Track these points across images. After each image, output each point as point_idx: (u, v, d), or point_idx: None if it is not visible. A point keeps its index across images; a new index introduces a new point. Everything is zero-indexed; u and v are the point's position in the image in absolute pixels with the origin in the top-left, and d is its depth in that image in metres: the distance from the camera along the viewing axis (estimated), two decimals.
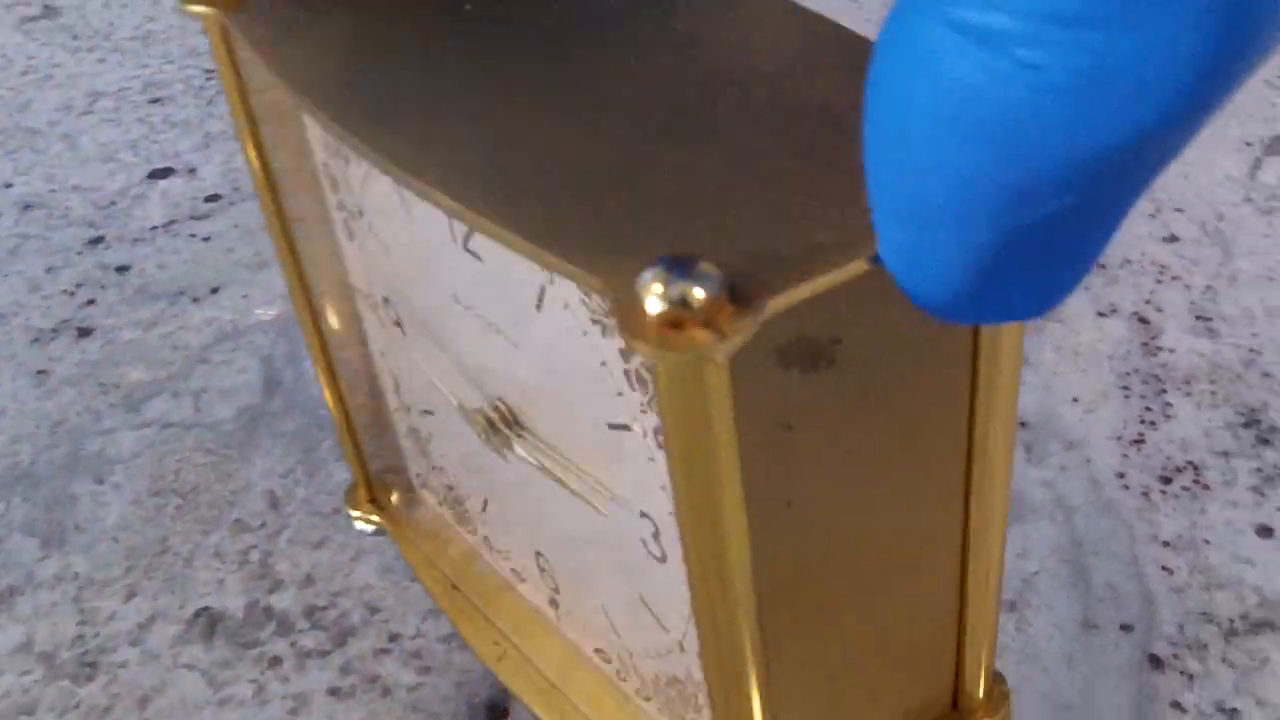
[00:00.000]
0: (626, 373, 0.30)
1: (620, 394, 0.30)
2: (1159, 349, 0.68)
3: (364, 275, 0.44)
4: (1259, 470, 0.61)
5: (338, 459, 0.61)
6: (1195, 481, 0.60)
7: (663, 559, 0.34)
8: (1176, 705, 0.51)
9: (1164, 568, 0.56)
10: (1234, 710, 0.50)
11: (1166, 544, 0.57)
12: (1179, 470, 0.61)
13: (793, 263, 0.25)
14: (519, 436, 0.37)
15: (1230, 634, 0.53)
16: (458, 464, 0.45)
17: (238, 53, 0.39)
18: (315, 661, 0.52)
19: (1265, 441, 0.63)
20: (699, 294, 0.23)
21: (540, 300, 0.32)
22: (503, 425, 0.38)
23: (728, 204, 0.27)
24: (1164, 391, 0.65)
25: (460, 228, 0.34)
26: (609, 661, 0.42)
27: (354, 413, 0.49)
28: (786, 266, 0.25)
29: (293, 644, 0.52)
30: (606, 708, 0.42)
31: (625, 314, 0.24)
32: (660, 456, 0.30)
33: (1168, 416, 0.64)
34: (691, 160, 0.28)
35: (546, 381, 0.35)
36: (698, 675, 0.36)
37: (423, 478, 0.50)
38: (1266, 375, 0.67)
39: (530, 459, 0.37)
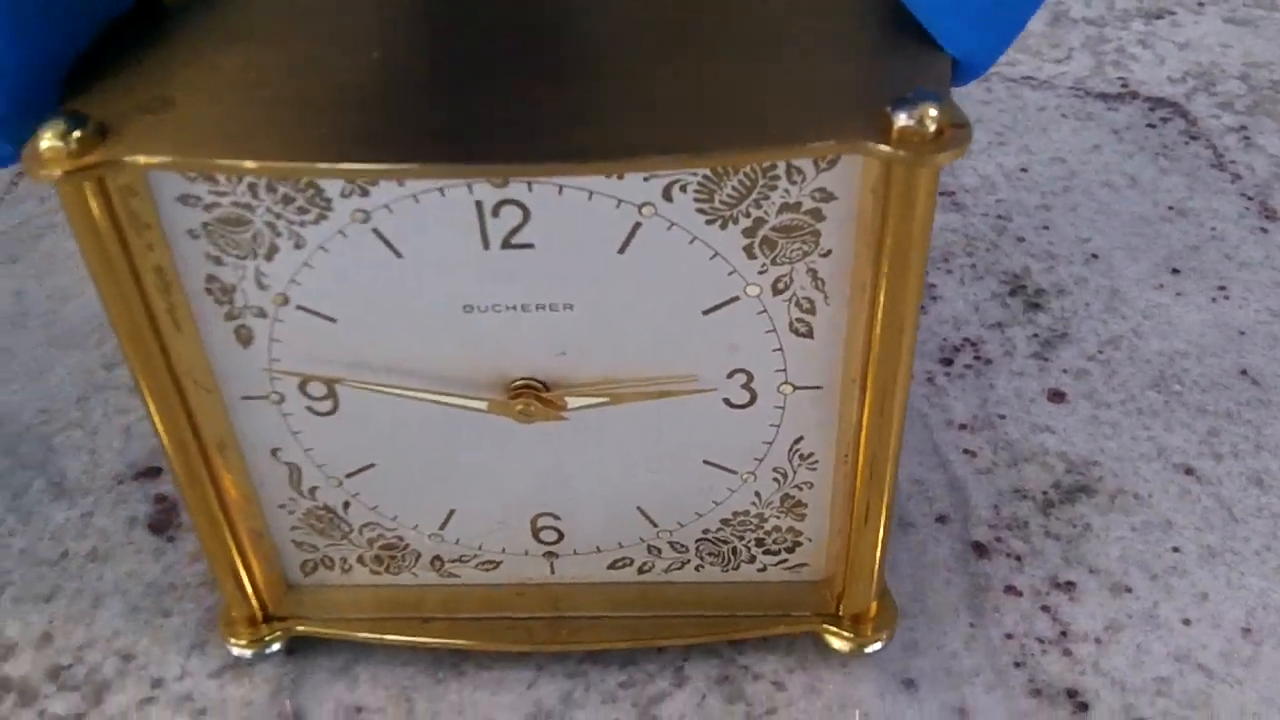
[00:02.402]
0: (747, 247, 0.36)
1: (731, 273, 0.37)
2: None
3: (262, 373, 0.40)
4: (1035, 336, 0.59)
5: (53, 499, 0.53)
6: (976, 358, 0.58)
7: (750, 402, 0.40)
8: (1011, 589, 0.48)
9: (965, 451, 0.54)
10: (1069, 583, 0.48)
11: (963, 427, 0.55)
12: (957, 350, 0.59)
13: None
14: (567, 396, 0.40)
15: (1047, 506, 0.51)
16: (405, 498, 0.44)
17: (117, 203, 0.35)
18: None
19: (1035, 306, 0.61)
20: (933, 113, 0.32)
21: (627, 243, 0.36)
22: (544, 394, 0.40)
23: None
24: (924, 273, 0.63)
25: (501, 229, 0.36)
26: (628, 565, 0.46)
27: (241, 529, 0.44)
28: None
29: (40, 713, 0.45)
30: (626, 601, 0.46)
31: (887, 133, 0.32)
32: (773, 304, 0.38)
33: (934, 298, 0.62)
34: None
35: (610, 320, 0.38)
36: (767, 493, 0.43)
37: (314, 560, 0.46)
38: (1021, 239, 0.65)
39: (585, 403, 0.40)
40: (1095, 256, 0.64)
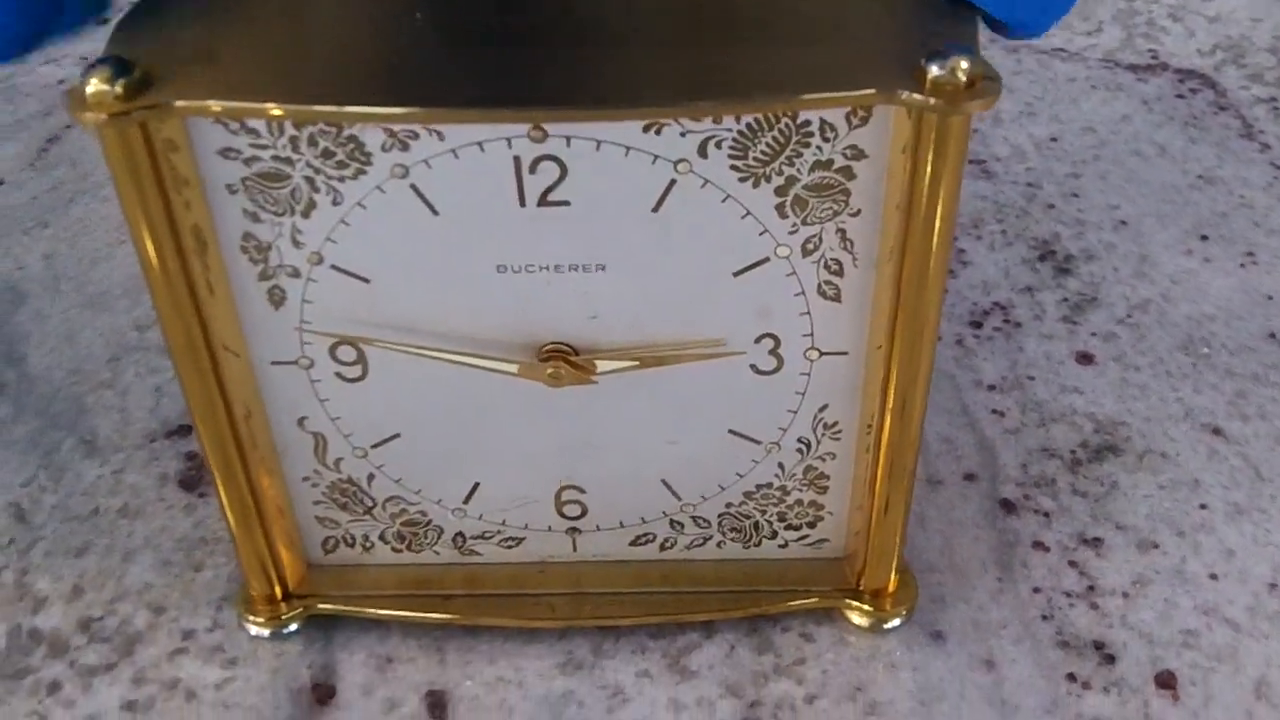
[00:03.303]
0: (779, 206, 0.36)
1: (762, 233, 0.37)
2: None
3: (292, 336, 0.40)
4: (1065, 300, 0.59)
5: (85, 456, 0.53)
6: (1006, 321, 0.58)
7: (777, 369, 0.40)
8: (1039, 545, 0.48)
9: (994, 411, 0.54)
10: (1096, 539, 0.48)
11: (992, 388, 0.55)
12: (986, 313, 0.59)
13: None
14: (598, 359, 0.40)
15: (1074, 464, 0.51)
16: (430, 470, 0.44)
17: (160, 159, 0.35)
18: (102, 678, 0.45)
19: (1064, 271, 0.61)
20: (964, 65, 0.33)
21: (661, 201, 0.36)
22: (574, 358, 0.40)
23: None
24: (954, 239, 0.63)
25: (538, 185, 0.36)
26: (651, 541, 0.46)
27: (264, 503, 0.44)
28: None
29: (71, 664, 0.45)
30: (648, 579, 0.46)
31: (921, 83, 0.33)
32: (802, 266, 0.38)
33: (964, 263, 0.62)
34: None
35: (642, 282, 0.38)
36: (790, 464, 0.43)
37: (336, 537, 0.46)
38: (1050, 206, 0.65)
39: (615, 367, 0.40)
40: (1124, 223, 0.64)
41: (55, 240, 0.65)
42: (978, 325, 0.58)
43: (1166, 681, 0.44)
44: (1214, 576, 0.47)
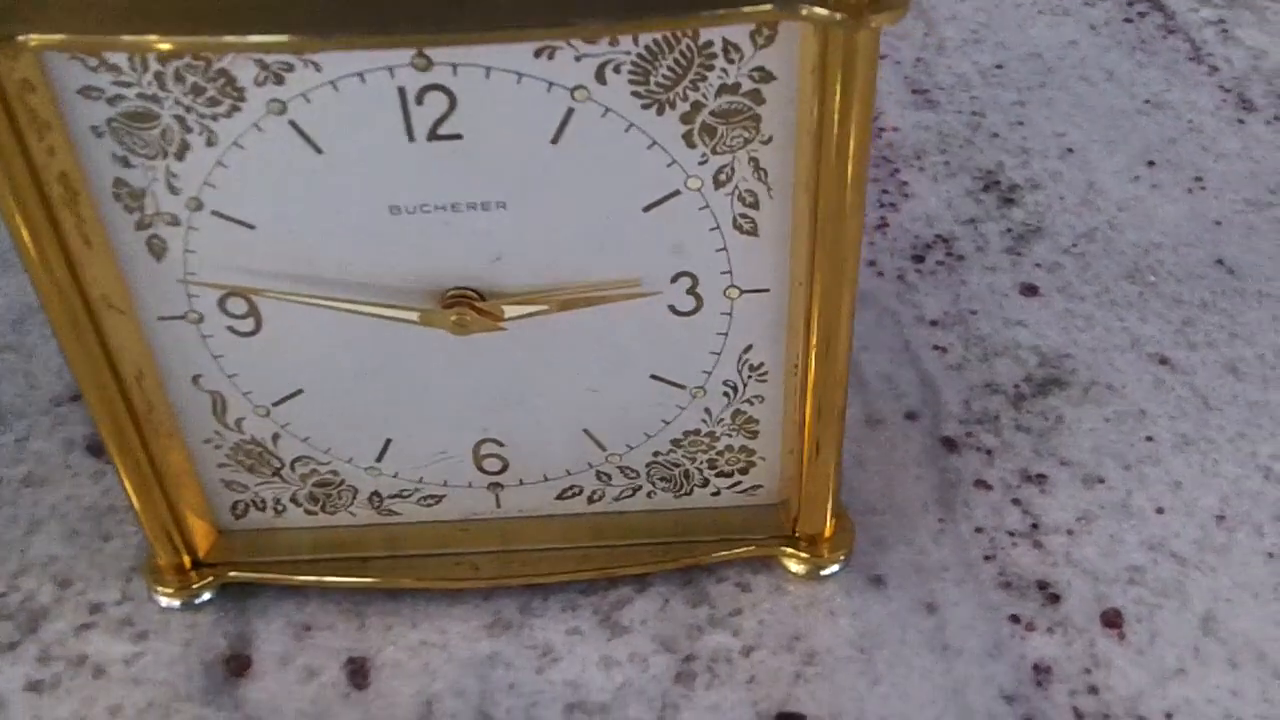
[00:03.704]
0: (686, 134, 0.34)
1: (670, 164, 0.35)
2: (881, 130, 0.63)
3: (178, 288, 0.38)
4: (1009, 231, 0.57)
5: None
6: (949, 254, 0.56)
7: (696, 309, 0.39)
8: (981, 484, 0.47)
9: (936, 347, 0.52)
10: (1040, 476, 0.47)
11: (934, 323, 0.53)
12: (929, 246, 0.57)
13: None
14: (505, 304, 0.38)
15: (1018, 399, 0.50)
16: (338, 427, 0.42)
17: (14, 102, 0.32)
18: (4, 656, 0.43)
19: (1009, 201, 0.59)
20: None
21: (560, 132, 0.34)
22: (479, 303, 0.38)
23: None
24: (897, 171, 0.61)
25: (426, 118, 0.34)
26: (578, 494, 0.44)
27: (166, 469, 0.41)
28: None
29: None
30: (577, 533, 0.44)
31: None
32: (715, 199, 0.36)
33: (906, 195, 0.60)
34: None
35: (546, 219, 0.36)
36: (718, 409, 0.41)
37: (245, 501, 0.44)
38: (995, 135, 0.63)
39: (524, 312, 0.38)
40: (1071, 151, 0.62)
41: None
42: (920, 259, 0.56)
43: (1112, 620, 0.42)
44: (1160, 510, 0.45)
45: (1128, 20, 0.71)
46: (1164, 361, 0.51)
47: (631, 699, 0.41)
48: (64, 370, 0.53)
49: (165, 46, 0.31)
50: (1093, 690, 0.40)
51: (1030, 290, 0.54)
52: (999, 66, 0.68)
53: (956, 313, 0.53)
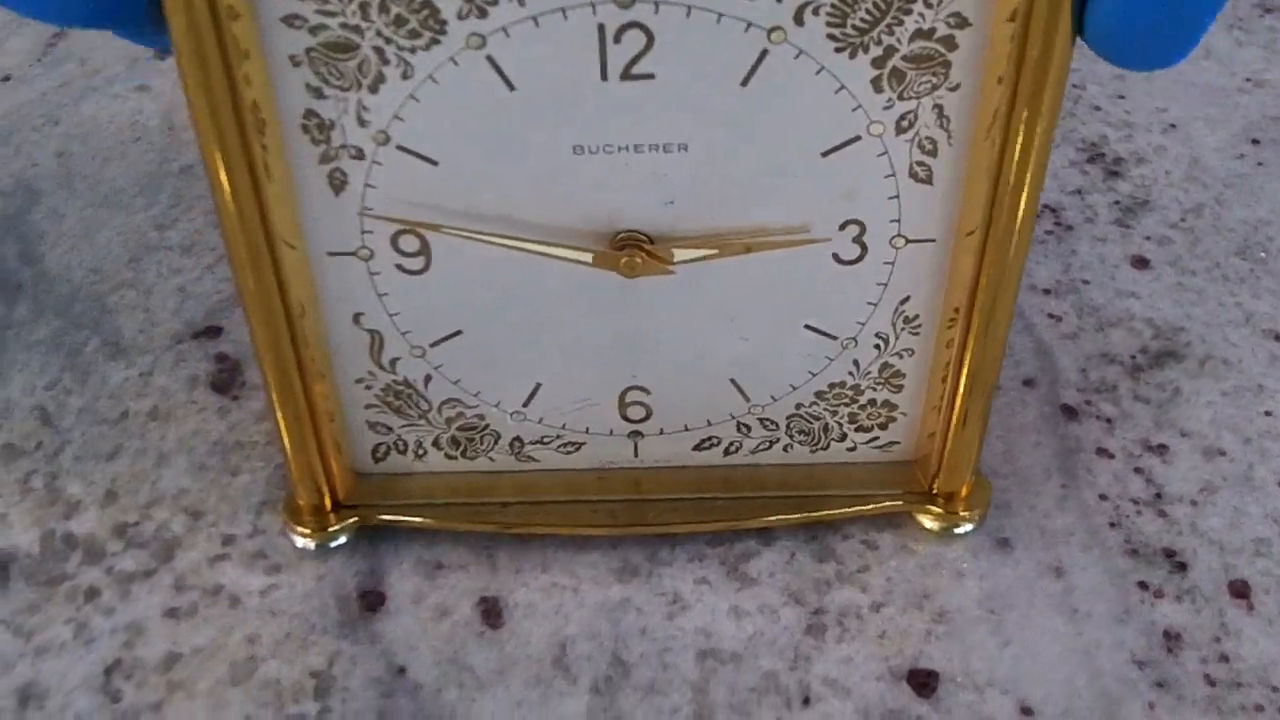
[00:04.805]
0: (875, 79, 0.35)
1: (855, 109, 0.35)
2: None
3: (353, 224, 0.38)
4: (1117, 203, 0.58)
5: (109, 358, 0.51)
6: (1057, 224, 0.57)
7: (859, 257, 0.39)
8: (1103, 451, 0.47)
9: (1050, 315, 0.52)
10: (1161, 446, 0.47)
11: (1047, 291, 0.53)
12: (1038, 215, 0.57)
13: None
14: (674, 248, 0.38)
15: (1135, 370, 0.50)
16: (491, 370, 0.42)
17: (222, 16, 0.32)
18: (141, 584, 0.43)
19: (1114, 173, 0.59)
20: None
21: (750, 74, 0.34)
22: (650, 247, 0.38)
23: None
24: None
25: (622, 57, 0.34)
26: (715, 445, 0.44)
27: (316, 409, 0.42)
28: None
29: (108, 570, 0.44)
30: (710, 484, 0.45)
31: None
32: (895, 145, 0.36)
33: None
34: None
35: (724, 163, 0.36)
36: (866, 362, 0.42)
37: (387, 443, 0.44)
38: (1096, 108, 0.63)
39: (692, 256, 0.38)
40: (1173, 126, 0.62)
41: (67, 138, 0.62)
42: None
43: (1240, 590, 0.43)
44: None
45: None
46: (1279, 338, 0.51)
47: (763, 649, 0.41)
48: (181, 308, 0.53)
49: None
50: (1224, 659, 0.41)
51: (1141, 263, 0.55)
52: None
53: (1068, 281, 0.54)
